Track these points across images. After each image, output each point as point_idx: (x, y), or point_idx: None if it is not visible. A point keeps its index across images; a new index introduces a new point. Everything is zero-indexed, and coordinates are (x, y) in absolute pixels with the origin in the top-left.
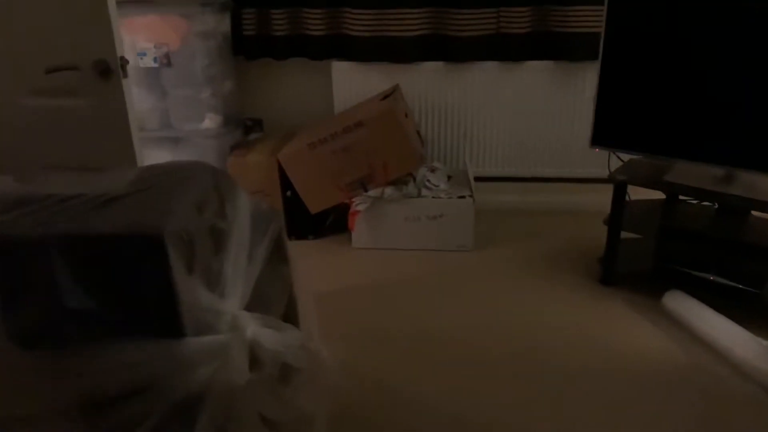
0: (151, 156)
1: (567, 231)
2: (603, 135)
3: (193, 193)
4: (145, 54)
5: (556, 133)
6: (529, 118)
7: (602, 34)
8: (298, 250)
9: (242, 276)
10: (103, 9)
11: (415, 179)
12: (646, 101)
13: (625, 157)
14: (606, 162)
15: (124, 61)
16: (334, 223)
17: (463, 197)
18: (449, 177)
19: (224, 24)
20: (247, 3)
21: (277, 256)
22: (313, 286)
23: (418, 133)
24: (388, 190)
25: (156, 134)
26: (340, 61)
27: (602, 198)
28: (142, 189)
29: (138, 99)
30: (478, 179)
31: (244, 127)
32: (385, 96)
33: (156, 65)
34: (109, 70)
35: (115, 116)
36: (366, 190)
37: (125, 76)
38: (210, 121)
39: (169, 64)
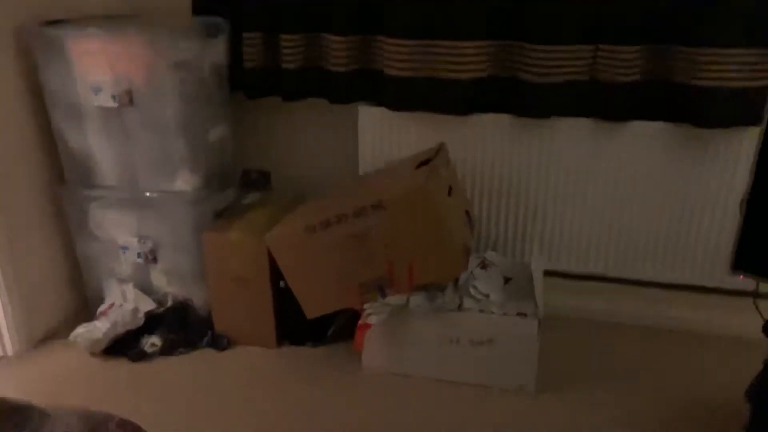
0: (114, 221)
1: (683, 366)
2: (754, 255)
3: None
4: (100, 89)
5: (672, 225)
6: (631, 199)
7: None
8: (290, 362)
9: None
10: None
11: (456, 282)
12: None
13: None
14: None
15: None
16: (339, 331)
17: (523, 315)
18: (507, 279)
19: (217, 52)
20: (250, 25)
21: None
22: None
23: (468, 213)
24: (416, 299)
25: (118, 194)
26: (370, 107)
27: (741, 319)
28: None
29: (96, 148)
30: (551, 274)
31: (248, 180)
32: (422, 162)
33: (116, 105)
34: None
35: None
36: (384, 296)
37: None
38: (183, 182)
39: (131, 103)
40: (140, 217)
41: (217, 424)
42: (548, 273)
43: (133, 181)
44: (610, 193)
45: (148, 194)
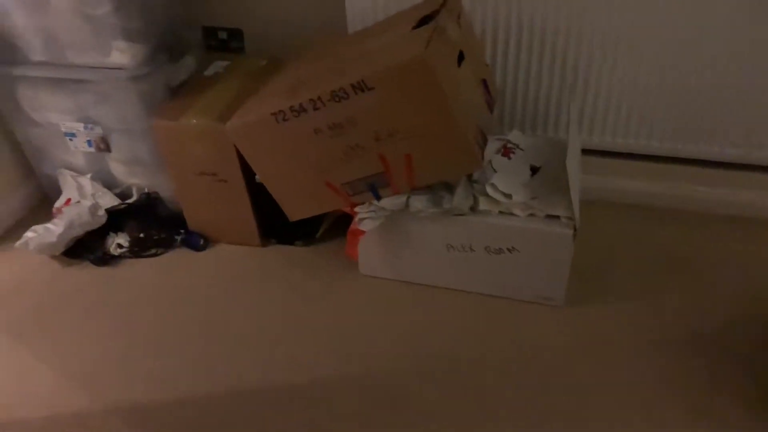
0: (50, 104)
1: (750, 268)
2: None
3: None
4: None
5: (752, 93)
6: (701, 63)
7: None
8: (279, 265)
9: None
10: None
11: (469, 178)
12: None
13: None
14: None
15: None
16: (330, 229)
17: (555, 218)
18: (534, 169)
19: None
20: None
21: None
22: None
23: (486, 84)
24: (417, 201)
25: (46, 72)
26: None
27: None
28: None
29: (10, 11)
30: (590, 153)
31: (215, 43)
32: (423, 18)
33: None
34: None
35: None
36: (378, 198)
37: None
38: (120, 54)
39: None
40: (78, 99)
41: (201, 331)
42: (587, 152)
43: (60, 55)
44: (672, 50)
45: (76, 71)
